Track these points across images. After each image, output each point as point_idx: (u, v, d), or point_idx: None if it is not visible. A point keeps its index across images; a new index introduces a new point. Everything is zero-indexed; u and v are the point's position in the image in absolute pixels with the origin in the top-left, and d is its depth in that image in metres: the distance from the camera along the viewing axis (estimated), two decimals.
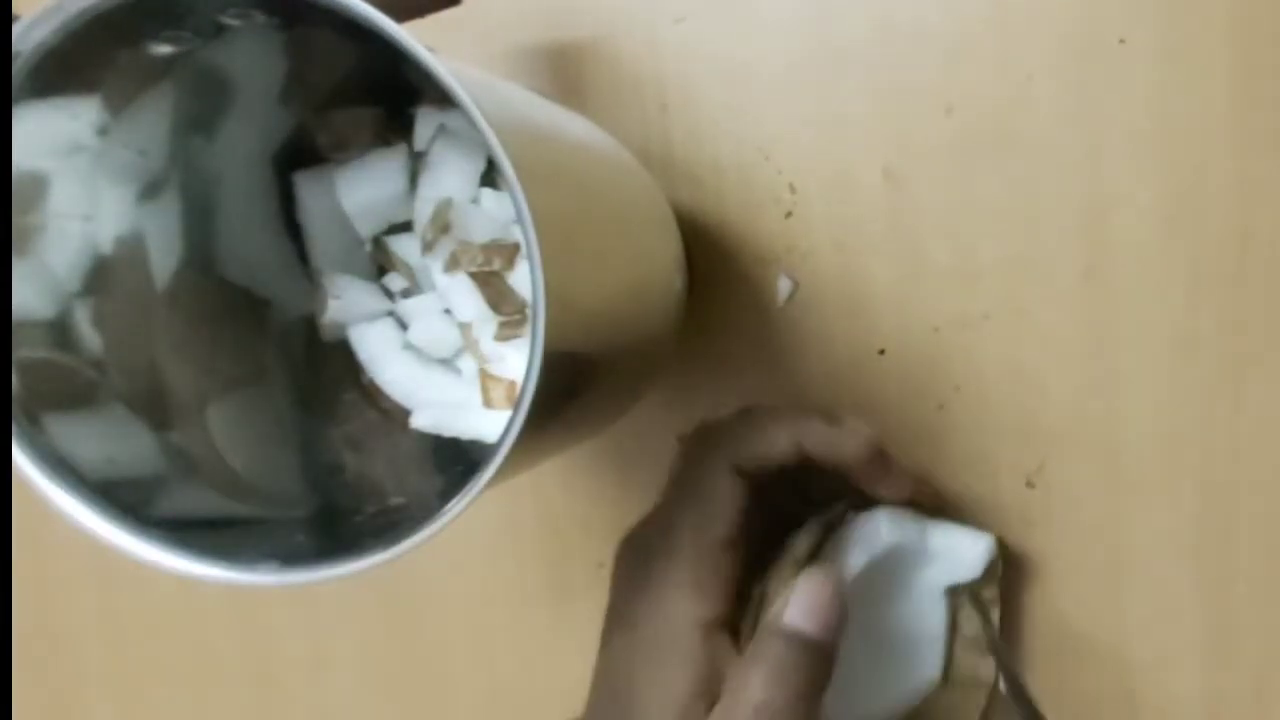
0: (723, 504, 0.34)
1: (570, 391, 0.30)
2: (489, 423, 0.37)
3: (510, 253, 0.36)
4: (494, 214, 0.37)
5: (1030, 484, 0.40)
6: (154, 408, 0.33)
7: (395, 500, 0.35)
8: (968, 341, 0.40)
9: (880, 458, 0.35)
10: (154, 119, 0.33)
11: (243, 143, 0.36)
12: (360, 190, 0.38)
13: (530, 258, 0.25)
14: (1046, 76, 0.38)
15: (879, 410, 0.41)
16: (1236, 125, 0.36)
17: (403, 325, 0.39)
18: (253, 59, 0.34)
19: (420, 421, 0.38)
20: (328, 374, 0.39)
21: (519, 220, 0.25)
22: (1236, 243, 0.37)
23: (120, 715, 0.54)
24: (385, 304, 0.39)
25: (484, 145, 0.28)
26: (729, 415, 0.36)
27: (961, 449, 0.40)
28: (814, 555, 0.36)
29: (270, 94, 0.36)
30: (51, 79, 0.30)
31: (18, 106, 0.29)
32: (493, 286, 0.37)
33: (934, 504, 0.39)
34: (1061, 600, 0.40)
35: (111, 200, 0.33)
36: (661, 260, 0.36)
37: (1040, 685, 0.40)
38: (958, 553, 0.38)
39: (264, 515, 0.34)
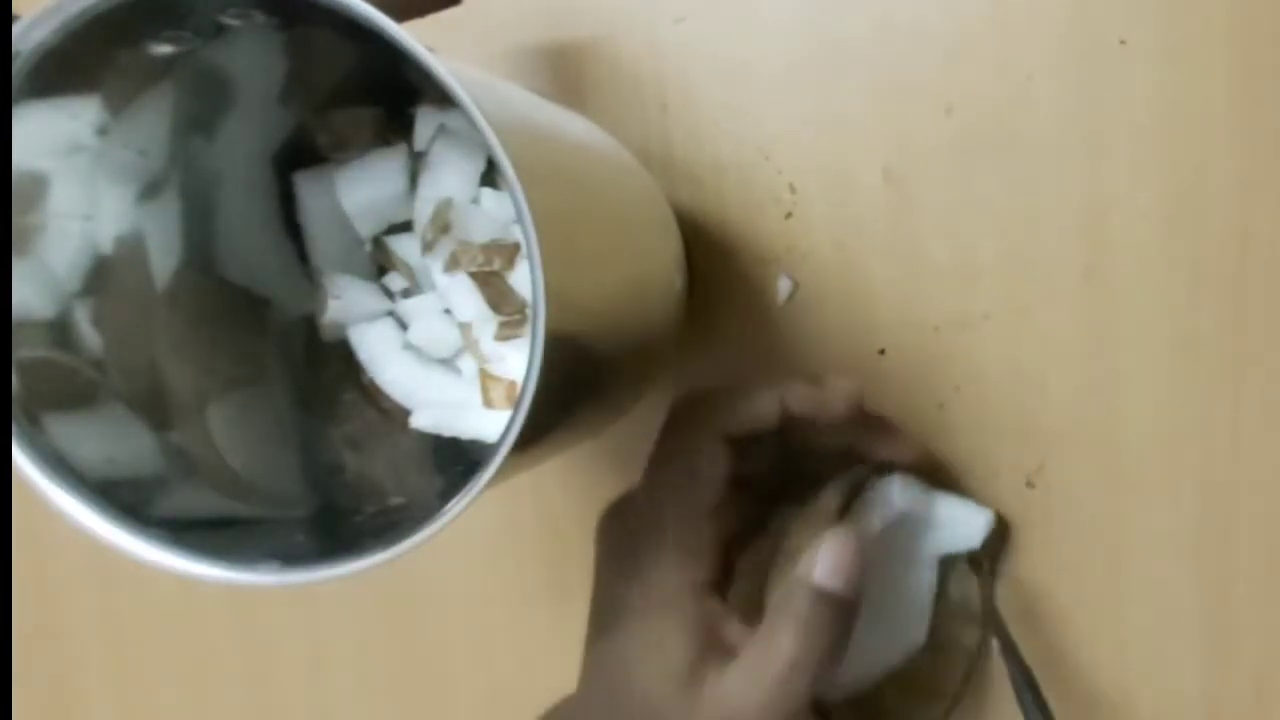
0: (710, 470, 0.34)
1: (570, 391, 0.30)
2: (489, 423, 0.37)
3: (510, 253, 0.36)
4: (494, 214, 0.37)
5: (1030, 484, 0.40)
6: (154, 408, 0.33)
7: (395, 500, 0.35)
8: (968, 341, 0.40)
9: (868, 420, 0.36)
10: (154, 119, 0.33)
11: (243, 143, 0.36)
12: (360, 190, 0.38)
13: (530, 258, 0.25)
14: (1046, 76, 0.38)
15: (879, 410, 0.41)
16: (1236, 125, 0.36)
17: (403, 325, 0.39)
18: (253, 59, 0.34)
19: (420, 421, 0.38)
20: (328, 374, 0.39)
21: (519, 220, 0.25)
22: (1236, 243, 0.37)
23: (120, 715, 0.54)
24: (385, 304, 0.39)
25: (484, 145, 0.28)
26: (711, 389, 0.36)
27: (961, 449, 0.40)
28: (843, 513, 0.37)
29: (270, 94, 0.36)
30: (51, 79, 0.30)
31: (18, 106, 0.29)
32: (493, 286, 0.37)
33: (933, 468, 0.39)
34: (1061, 600, 0.40)
35: (111, 200, 0.33)
36: (661, 260, 0.36)
37: (1040, 685, 0.40)
38: (958, 523, 0.39)
39: (264, 515, 0.34)
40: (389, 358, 0.39)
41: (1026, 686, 0.37)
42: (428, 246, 0.37)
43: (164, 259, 0.35)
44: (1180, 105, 0.37)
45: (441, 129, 0.37)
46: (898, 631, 0.40)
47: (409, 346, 0.39)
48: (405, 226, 0.39)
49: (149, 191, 0.34)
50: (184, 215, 0.35)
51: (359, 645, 0.49)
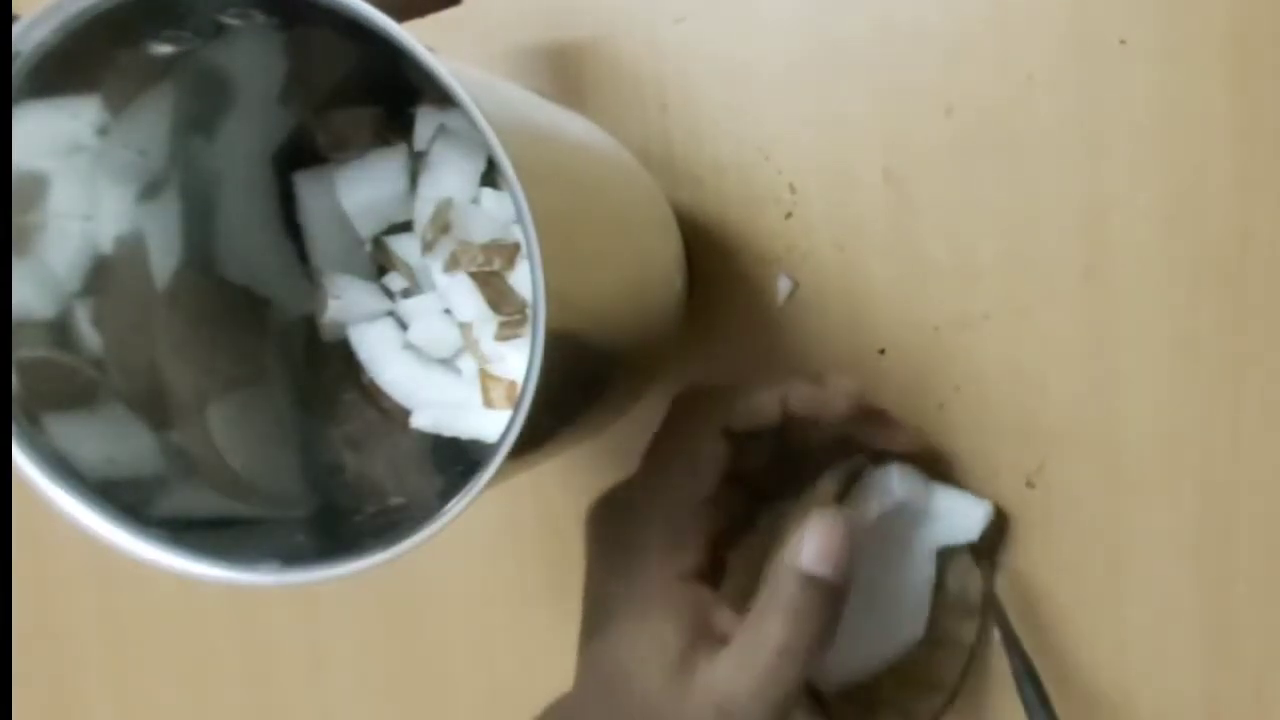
0: (708, 463, 0.34)
1: (570, 391, 0.30)
2: (489, 423, 0.37)
3: (510, 253, 0.36)
4: (494, 214, 0.37)
5: (1030, 484, 0.40)
6: (154, 408, 0.33)
7: (395, 500, 0.35)
8: (968, 341, 0.40)
9: (867, 411, 0.36)
10: (154, 119, 0.33)
11: (243, 143, 0.36)
12: (360, 190, 0.38)
13: (530, 258, 0.25)
14: (1046, 76, 0.38)
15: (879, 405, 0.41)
16: (1236, 125, 0.36)
17: (403, 325, 0.39)
18: (253, 59, 0.34)
19: (420, 421, 0.38)
20: (328, 374, 0.39)
21: (519, 220, 0.25)
22: (1236, 243, 0.37)
23: (120, 715, 0.54)
24: (385, 304, 0.39)
25: (484, 145, 0.28)
26: (712, 385, 0.37)
27: (961, 449, 0.40)
28: (839, 500, 0.37)
29: (270, 94, 0.36)
30: (51, 79, 0.30)
31: (18, 106, 0.29)
32: (493, 286, 0.37)
33: (933, 460, 0.39)
34: (1061, 600, 0.40)
35: (111, 200, 0.33)
36: (661, 260, 0.36)
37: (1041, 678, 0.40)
38: (957, 515, 0.39)
39: (264, 515, 0.34)
40: (389, 358, 0.39)
41: (1028, 678, 0.37)
42: (428, 246, 0.37)
43: (164, 259, 0.35)
44: (1180, 105, 0.37)
45: (441, 129, 0.37)
46: (895, 623, 0.40)
47: (409, 346, 0.39)
48: (405, 226, 0.39)
49: (149, 191, 0.34)
50: (184, 215, 0.35)
51: (359, 645, 0.49)
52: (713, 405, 0.35)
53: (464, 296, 0.37)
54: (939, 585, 0.40)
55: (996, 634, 0.39)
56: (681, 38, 0.41)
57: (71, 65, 0.29)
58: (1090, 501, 0.39)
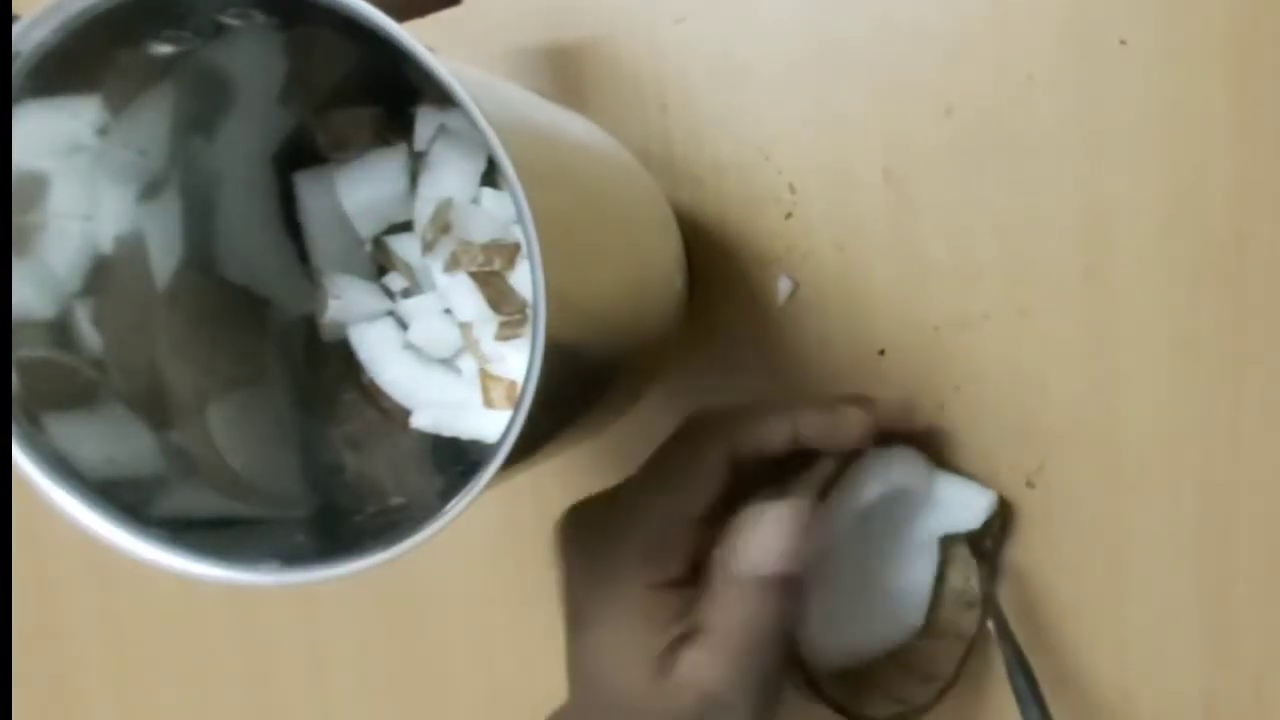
0: (707, 484, 0.34)
1: (571, 391, 0.30)
2: (489, 423, 0.37)
3: (510, 252, 0.36)
4: (494, 214, 0.37)
5: (1030, 484, 0.40)
6: (154, 408, 0.33)
7: (395, 500, 0.35)
8: (968, 341, 0.40)
9: (877, 426, 0.37)
10: (154, 119, 0.33)
11: (243, 143, 0.36)
12: (360, 190, 0.38)
13: (531, 257, 0.25)
14: (1046, 76, 0.38)
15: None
16: (1236, 125, 0.36)
17: (403, 325, 0.39)
18: (253, 59, 0.34)
19: (420, 421, 0.38)
20: (328, 374, 0.39)
21: (519, 220, 0.25)
22: (1236, 243, 0.37)
23: (120, 715, 0.54)
24: (385, 304, 0.39)
25: (484, 145, 0.28)
26: (726, 406, 0.36)
27: (961, 449, 0.40)
28: (831, 484, 0.37)
29: (270, 94, 0.36)
30: (51, 79, 0.30)
31: (18, 106, 0.29)
32: (493, 286, 0.37)
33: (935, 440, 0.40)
34: (1061, 600, 0.40)
35: (111, 200, 0.33)
36: (661, 260, 0.36)
37: (1040, 685, 0.40)
38: (960, 504, 0.39)
39: (264, 515, 0.34)
40: (389, 358, 0.39)
41: (1019, 668, 0.37)
42: (428, 246, 0.37)
43: (164, 259, 0.35)
44: (1180, 105, 0.37)
45: (442, 129, 0.37)
46: (894, 610, 0.40)
47: (409, 346, 0.39)
48: (405, 226, 0.39)
49: (149, 191, 0.34)
50: (184, 215, 0.35)
51: (359, 645, 0.49)
52: (721, 428, 0.35)
53: (464, 296, 0.37)
54: (941, 576, 0.40)
55: (991, 625, 0.39)
56: (681, 38, 0.41)
57: (71, 65, 0.29)
58: (1090, 501, 0.39)
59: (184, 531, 0.30)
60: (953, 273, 0.39)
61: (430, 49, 0.25)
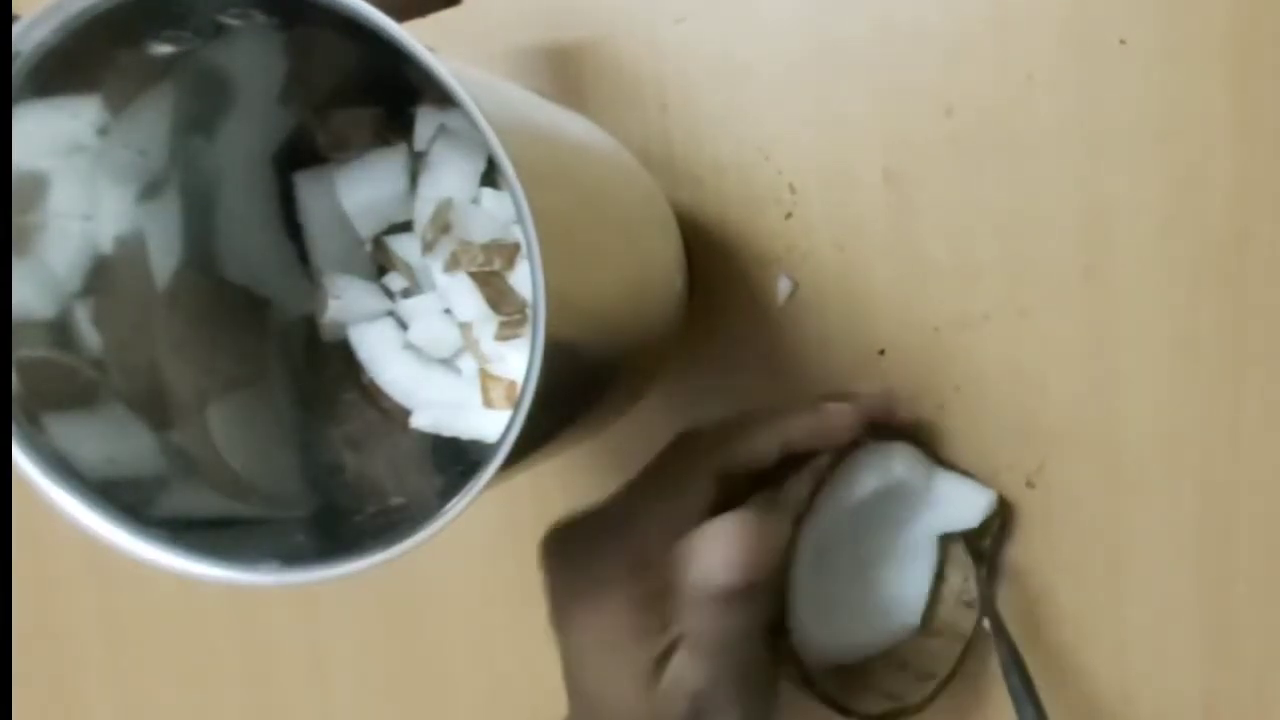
0: (694, 500, 0.34)
1: (570, 391, 0.30)
2: (489, 423, 0.37)
3: (510, 252, 0.36)
4: (494, 214, 0.37)
5: (1030, 484, 0.40)
6: (154, 408, 0.33)
7: (395, 500, 0.35)
8: (968, 341, 0.40)
9: (867, 416, 0.37)
10: (154, 119, 0.33)
11: (243, 143, 0.36)
12: (360, 190, 0.38)
13: (530, 257, 0.25)
14: (1046, 76, 0.38)
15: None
16: (1236, 125, 0.36)
17: (403, 325, 0.39)
18: (253, 59, 0.34)
19: (420, 421, 0.38)
20: (328, 374, 0.39)
21: (519, 220, 0.25)
22: (1236, 243, 0.37)
23: (120, 715, 0.54)
24: (385, 304, 0.39)
25: (484, 145, 0.28)
26: (716, 422, 0.36)
27: (961, 449, 0.40)
28: (826, 479, 0.37)
29: (270, 94, 0.36)
30: (51, 79, 0.30)
31: (18, 106, 0.29)
32: (493, 286, 0.37)
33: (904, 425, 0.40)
34: (1061, 600, 0.40)
35: (111, 200, 0.33)
36: (661, 260, 0.36)
37: (1039, 685, 0.40)
38: (959, 502, 0.39)
39: (264, 515, 0.34)
40: (389, 358, 0.39)
41: (1014, 667, 0.37)
42: (428, 246, 0.37)
43: (164, 259, 0.35)
44: (1180, 105, 0.37)
45: (442, 129, 0.37)
46: (892, 608, 0.40)
47: (409, 346, 0.39)
48: (405, 226, 0.39)
49: (149, 191, 0.34)
50: (184, 215, 0.35)
51: (359, 645, 0.49)
52: (710, 446, 0.35)
53: (464, 296, 0.37)
54: (940, 574, 0.40)
55: (987, 623, 0.39)
56: (681, 38, 0.41)
57: (71, 65, 0.29)
58: (1090, 501, 0.39)
59: (184, 531, 0.30)
60: (953, 273, 0.39)
61: (430, 49, 0.25)
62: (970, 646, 0.39)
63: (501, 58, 0.43)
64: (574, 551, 0.34)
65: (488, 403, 0.37)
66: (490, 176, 0.37)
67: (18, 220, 0.31)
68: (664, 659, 0.32)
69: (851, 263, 0.41)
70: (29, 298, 0.31)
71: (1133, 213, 0.37)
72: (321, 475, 0.36)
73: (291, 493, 0.35)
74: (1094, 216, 0.38)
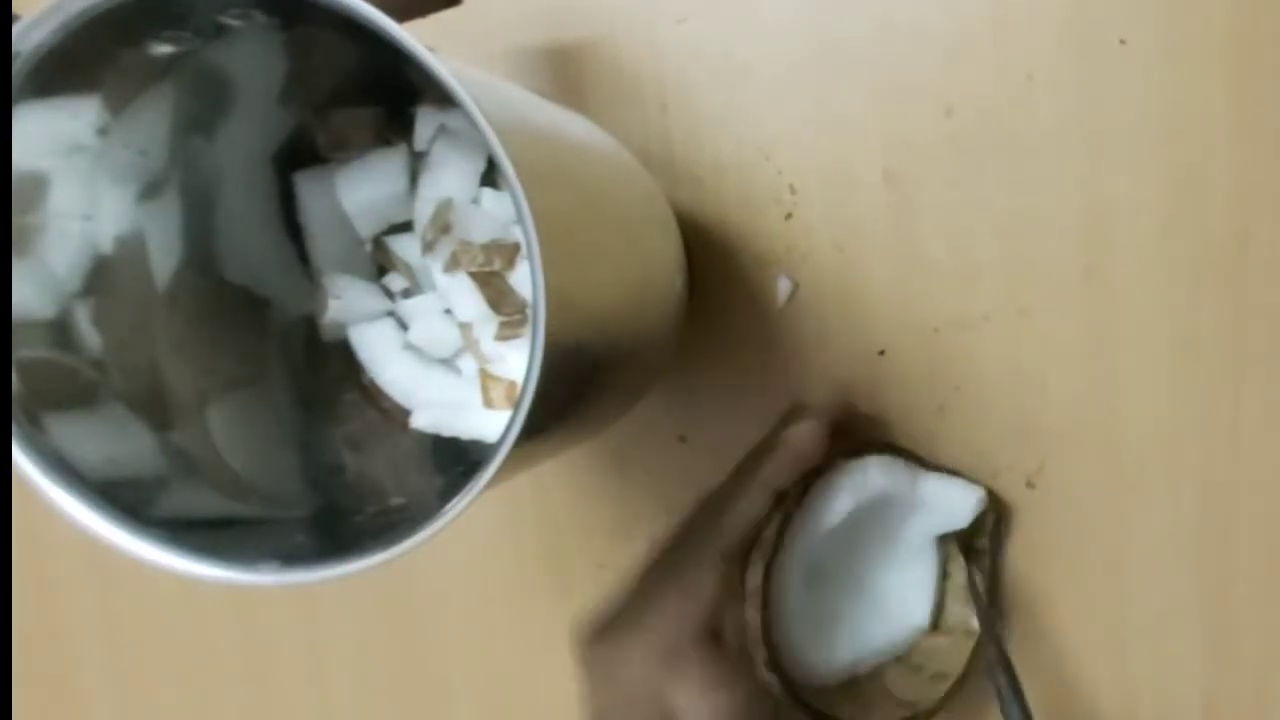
0: (709, 592, 0.34)
1: (571, 391, 0.30)
2: (489, 423, 0.37)
3: (510, 253, 0.36)
4: (494, 214, 0.37)
5: (1030, 484, 0.40)
6: (154, 408, 0.33)
7: (395, 500, 0.35)
8: (968, 342, 0.40)
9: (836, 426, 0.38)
10: (154, 119, 0.33)
11: (243, 143, 0.36)
12: (360, 190, 0.38)
13: (530, 258, 0.25)
14: (1046, 76, 0.38)
15: (879, 411, 0.41)
16: (1236, 125, 0.36)
17: (403, 325, 0.39)
18: (253, 59, 0.34)
19: (420, 421, 0.38)
20: (328, 374, 0.39)
21: (519, 220, 0.25)
22: (1236, 243, 0.37)
23: (120, 715, 0.54)
24: (385, 304, 0.39)
25: (484, 145, 0.28)
26: (714, 490, 0.37)
27: (961, 449, 0.40)
28: (797, 501, 0.37)
29: (270, 94, 0.36)
30: (51, 79, 0.30)
31: (18, 106, 0.29)
32: (493, 286, 0.37)
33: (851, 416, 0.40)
34: (1061, 600, 0.40)
35: (111, 200, 0.33)
36: (661, 260, 0.36)
37: (1040, 685, 0.40)
38: (948, 502, 0.39)
39: (264, 515, 0.34)
40: (389, 358, 0.39)
41: (1001, 667, 0.37)
42: (428, 246, 0.37)
43: (164, 259, 0.35)
44: (1180, 105, 0.37)
45: (442, 129, 0.37)
46: (896, 614, 0.40)
47: (409, 347, 0.39)
48: (405, 226, 0.39)
49: (149, 191, 0.34)
50: (184, 215, 0.35)
51: (359, 645, 0.49)
52: (710, 532, 0.35)
53: (464, 296, 0.37)
54: (945, 573, 0.40)
55: (977, 621, 0.39)
56: (681, 38, 0.41)
57: (71, 65, 0.29)
58: (1090, 501, 0.39)
59: (184, 531, 0.30)
60: (953, 273, 0.39)
61: (430, 49, 0.25)
62: (981, 644, 0.39)
63: (501, 58, 0.43)
64: (608, 654, 0.35)
65: (488, 403, 0.37)
66: (490, 176, 0.37)
67: (18, 220, 0.31)
68: None
69: (851, 263, 0.41)
70: (29, 298, 0.31)
71: (1133, 213, 0.37)
72: (321, 475, 0.36)
73: (291, 493, 0.35)
74: (1094, 216, 0.38)
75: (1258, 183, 0.36)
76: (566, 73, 0.43)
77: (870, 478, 0.38)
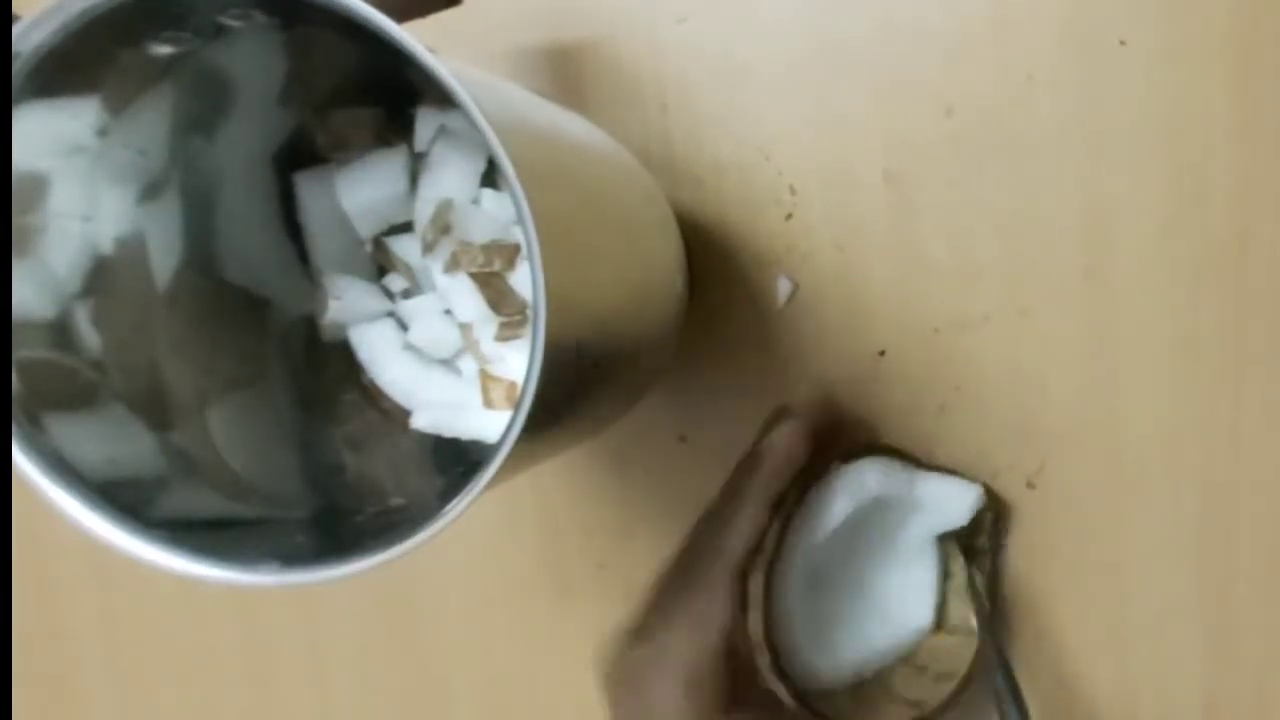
0: (723, 612, 0.35)
1: (571, 392, 0.30)
2: (489, 423, 0.37)
3: (510, 253, 0.36)
4: (494, 214, 0.37)
5: (1030, 484, 0.40)
6: (154, 408, 0.33)
7: (395, 500, 0.35)
8: (968, 342, 0.40)
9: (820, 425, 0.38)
10: (154, 119, 0.33)
11: (243, 143, 0.36)
12: (360, 190, 0.38)
13: (530, 258, 0.25)
14: (1046, 76, 0.38)
15: (879, 411, 0.41)
16: (1236, 125, 0.36)
17: (403, 326, 0.39)
18: (253, 59, 0.34)
19: (420, 422, 0.38)
20: (328, 374, 0.39)
21: (519, 220, 0.25)
22: (1236, 243, 0.37)
23: (120, 715, 0.54)
24: (385, 304, 0.39)
25: (484, 145, 0.28)
26: (715, 501, 0.37)
27: (961, 449, 0.40)
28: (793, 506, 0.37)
29: (270, 94, 0.36)
30: (51, 79, 0.30)
31: (18, 106, 0.29)
32: (493, 287, 0.37)
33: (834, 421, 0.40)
34: (1061, 600, 0.40)
35: (111, 200, 0.33)
36: (662, 260, 0.36)
37: (1040, 685, 0.40)
38: (946, 502, 0.39)
39: (264, 515, 0.34)
40: (389, 358, 0.39)
41: (999, 667, 0.37)
42: (428, 247, 0.37)
43: (164, 259, 0.35)
44: (1180, 105, 0.37)
45: (442, 129, 0.37)
46: (900, 615, 0.40)
47: (409, 347, 0.39)
48: (405, 227, 0.39)
49: (149, 191, 0.34)
50: (184, 215, 0.35)
51: (359, 645, 0.49)
52: (712, 555, 0.36)
53: (464, 297, 0.37)
54: (947, 572, 0.40)
55: (974, 620, 0.39)
56: (681, 38, 0.41)
57: (71, 65, 0.29)
58: (1090, 501, 0.39)
59: (184, 532, 0.30)
60: (953, 273, 0.39)
61: (430, 49, 0.25)
62: (983, 644, 0.39)
63: (501, 58, 0.43)
64: (632, 681, 0.35)
65: (488, 403, 0.37)
66: (490, 177, 0.37)
67: (18, 221, 0.31)
68: None
69: (851, 263, 0.40)
70: (29, 298, 0.31)
71: (1133, 213, 0.37)
72: (321, 475, 0.36)
73: (291, 493, 0.35)
74: (1094, 216, 0.38)
75: (1258, 183, 0.36)
76: (566, 73, 0.43)
77: (867, 479, 0.38)
